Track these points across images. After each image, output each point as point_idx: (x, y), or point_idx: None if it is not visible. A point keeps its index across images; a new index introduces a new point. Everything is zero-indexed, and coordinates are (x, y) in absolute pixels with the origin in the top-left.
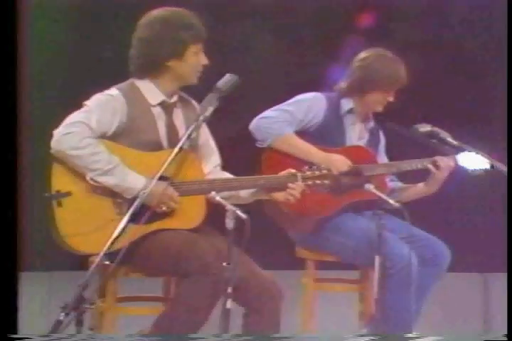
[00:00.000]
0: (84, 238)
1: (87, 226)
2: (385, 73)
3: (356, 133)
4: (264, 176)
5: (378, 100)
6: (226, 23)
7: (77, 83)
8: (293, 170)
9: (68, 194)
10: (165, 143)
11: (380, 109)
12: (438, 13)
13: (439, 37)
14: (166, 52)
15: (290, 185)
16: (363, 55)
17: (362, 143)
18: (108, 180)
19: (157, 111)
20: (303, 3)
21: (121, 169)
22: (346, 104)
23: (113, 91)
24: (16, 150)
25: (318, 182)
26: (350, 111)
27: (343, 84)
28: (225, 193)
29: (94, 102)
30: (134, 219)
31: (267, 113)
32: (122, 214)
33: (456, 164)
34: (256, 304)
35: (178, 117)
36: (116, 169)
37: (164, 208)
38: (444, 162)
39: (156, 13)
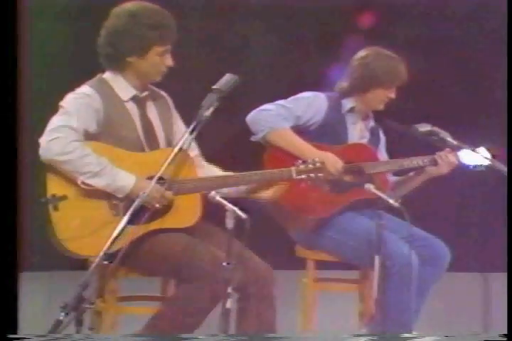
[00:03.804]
0: (82, 241)
1: (85, 230)
2: (385, 70)
3: (358, 132)
4: (258, 172)
5: (380, 98)
6: (226, 23)
7: (77, 82)
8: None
9: (64, 197)
10: (142, 138)
11: (381, 106)
12: (438, 12)
13: (439, 36)
14: (128, 48)
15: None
16: (361, 53)
17: (364, 142)
18: (99, 182)
19: (130, 106)
20: (303, 3)
21: (111, 169)
22: (348, 102)
23: (85, 88)
24: (16, 151)
25: (312, 175)
26: (352, 109)
27: (343, 83)
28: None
29: (71, 103)
30: (131, 220)
31: (265, 106)
32: (119, 216)
33: (458, 161)
34: (248, 289)
35: (152, 111)
36: (106, 169)
37: (157, 205)
38: (446, 158)
39: (129, 5)
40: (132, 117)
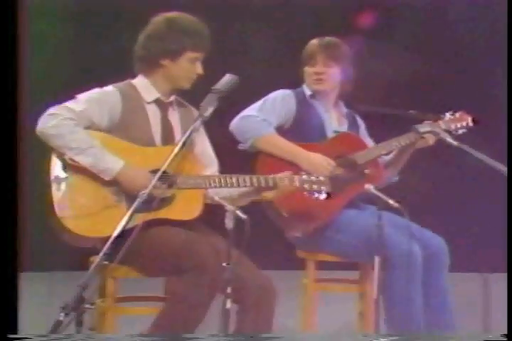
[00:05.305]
0: (81, 221)
1: (85, 210)
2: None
3: (335, 120)
4: (261, 176)
5: (308, 73)
6: (226, 24)
7: (77, 82)
8: (289, 172)
9: (67, 179)
10: (158, 139)
11: (318, 83)
12: (438, 12)
13: (439, 36)
14: (163, 50)
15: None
16: None
17: (343, 129)
18: (84, 159)
19: (152, 108)
20: (303, 3)
21: (99, 150)
22: (307, 91)
23: (108, 87)
24: (15, 150)
25: (315, 186)
26: (313, 96)
27: None
28: (221, 194)
29: (86, 94)
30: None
31: (246, 112)
32: (121, 202)
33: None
34: (252, 302)
35: (174, 117)
36: (94, 149)
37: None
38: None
39: (168, 14)
40: (150, 118)
